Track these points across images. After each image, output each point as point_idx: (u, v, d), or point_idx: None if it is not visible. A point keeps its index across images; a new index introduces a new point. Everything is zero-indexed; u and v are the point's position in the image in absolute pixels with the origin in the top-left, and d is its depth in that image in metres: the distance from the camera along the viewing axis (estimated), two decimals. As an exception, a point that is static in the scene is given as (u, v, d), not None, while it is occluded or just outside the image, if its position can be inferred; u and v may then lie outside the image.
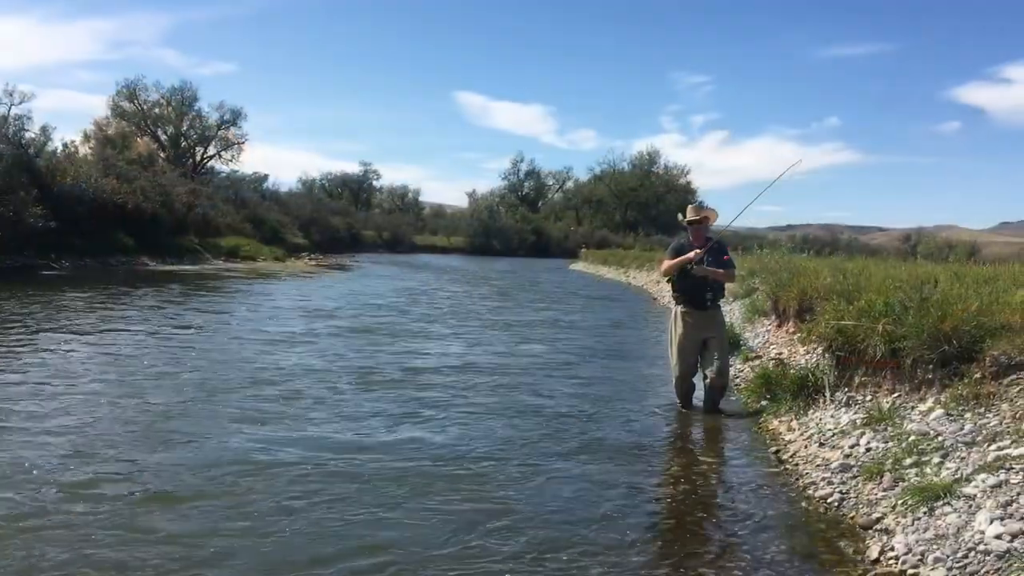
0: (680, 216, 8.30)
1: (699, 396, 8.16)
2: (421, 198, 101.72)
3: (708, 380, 7.97)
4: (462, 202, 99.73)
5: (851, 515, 5.02)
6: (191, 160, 62.27)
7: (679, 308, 8.10)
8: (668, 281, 8.48)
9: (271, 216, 47.74)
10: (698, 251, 7.81)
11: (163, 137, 63.01)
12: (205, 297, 18.06)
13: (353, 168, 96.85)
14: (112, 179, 30.74)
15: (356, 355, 10.64)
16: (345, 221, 66.03)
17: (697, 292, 7.97)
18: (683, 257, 7.86)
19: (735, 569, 4.30)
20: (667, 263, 8.09)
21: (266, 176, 64.82)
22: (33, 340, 10.64)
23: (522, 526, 4.74)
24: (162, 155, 57.84)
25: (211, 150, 63.76)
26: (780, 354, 9.61)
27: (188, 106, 62.86)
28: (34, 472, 5.29)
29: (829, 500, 5.30)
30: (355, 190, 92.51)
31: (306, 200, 64.79)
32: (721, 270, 7.92)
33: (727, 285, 8.53)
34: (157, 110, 62.97)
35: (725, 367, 8.06)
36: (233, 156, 63.45)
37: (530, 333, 14.16)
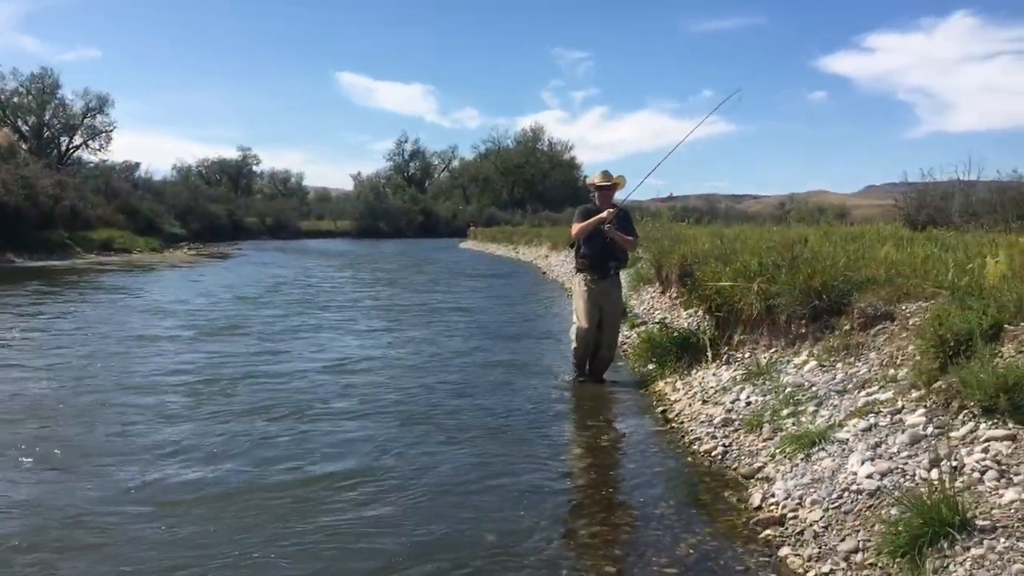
0: (588, 180, 8.25)
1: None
2: (305, 182, 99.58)
3: (597, 350, 8.01)
4: (348, 185, 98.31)
5: (734, 466, 5.19)
6: (56, 151, 59.27)
7: (581, 276, 7.98)
8: (571, 246, 8.42)
9: (145, 206, 45.76)
10: (611, 210, 7.70)
11: (24, 127, 59.75)
12: (69, 295, 17.16)
13: (231, 154, 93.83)
14: (-31, 172, 28.94)
15: (223, 358, 9.92)
16: (225, 208, 63.96)
17: (601, 260, 7.87)
18: (597, 217, 7.69)
19: (624, 525, 4.39)
20: (579, 225, 7.88)
21: (138, 164, 62.33)
22: None
23: (416, 497, 4.74)
24: (24, 146, 54.79)
25: (77, 139, 60.93)
26: (664, 319, 9.84)
27: (50, 94, 59.76)
28: None
29: (713, 453, 5.48)
30: (234, 176, 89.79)
31: (182, 188, 62.44)
32: (629, 237, 7.92)
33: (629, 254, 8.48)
34: (16, 99, 59.66)
35: (614, 341, 8.13)
36: (101, 145, 60.83)
37: (418, 316, 14.06)
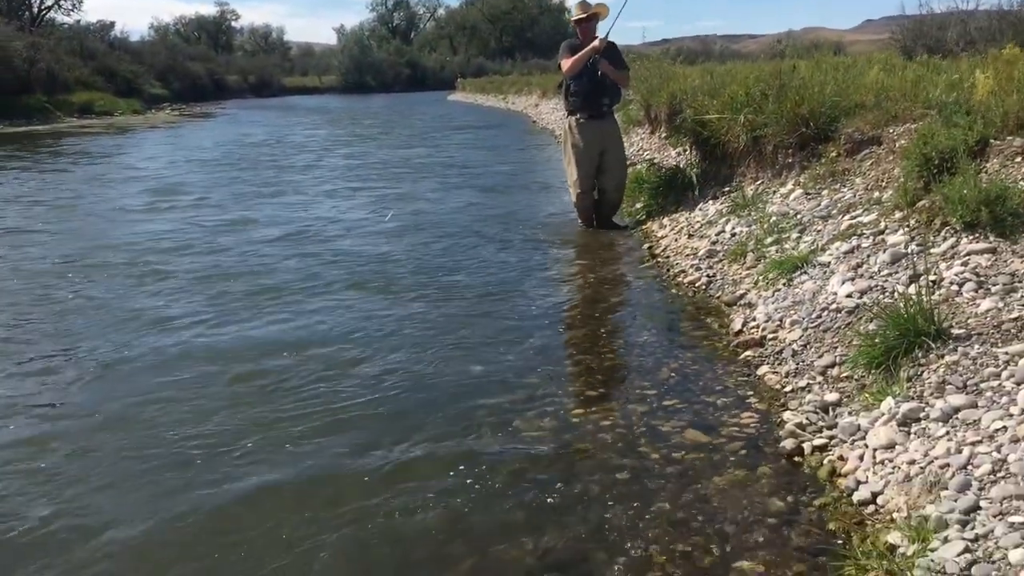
0: (568, 16, 7.95)
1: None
2: (287, 37, 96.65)
3: (603, 194, 7.71)
4: (331, 39, 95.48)
5: (717, 295, 5.23)
6: (27, 12, 57.05)
7: (574, 118, 7.61)
8: (559, 88, 8.09)
9: (123, 67, 44.44)
10: (602, 39, 7.27)
11: (-8, -11, 57.36)
12: (51, 160, 16.94)
13: (209, 10, 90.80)
14: (-62, 37, 27.98)
15: (212, 225, 10.22)
16: (206, 67, 62.18)
17: (594, 97, 7.48)
18: (588, 48, 7.25)
19: (607, 354, 4.46)
20: (569, 60, 7.39)
21: (112, 24, 60.01)
22: None
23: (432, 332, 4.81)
24: (-8, 8, 52.81)
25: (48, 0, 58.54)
26: (653, 158, 9.73)
27: (16, -49, 57.03)
28: None
29: (697, 284, 5.51)
30: (213, 33, 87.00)
31: (160, 47, 60.51)
32: (618, 71, 7.51)
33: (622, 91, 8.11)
34: (-19, -42, 57.01)
35: (621, 183, 7.77)
36: (74, 5, 58.47)
37: (408, 172, 13.90)
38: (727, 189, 6.95)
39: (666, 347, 4.49)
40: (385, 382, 4.07)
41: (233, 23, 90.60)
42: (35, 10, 57.94)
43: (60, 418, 3.75)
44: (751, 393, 3.77)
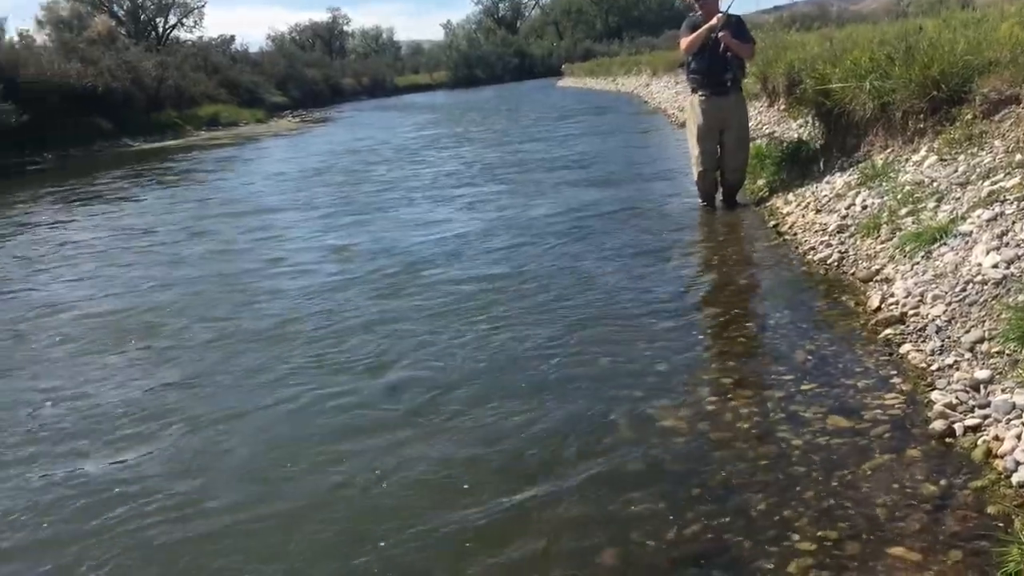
0: None
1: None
2: (396, 37, 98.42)
3: (723, 176, 7.56)
4: (439, 35, 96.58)
5: (851, 272, 5.06)
6: (153, 32, 60.06)
7: (696, 96, 7.47)
8: (681, 67, 7.97)
9: (245, 78, 46.32)
10: (719, 15, 7.08)
11: (120, 12, 60.55)
12: (197, 169, 17.80)
13: (321, 16, 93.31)
14: (76, 63, 29.75)
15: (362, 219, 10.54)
16: (322, 73, 64.03)
17: (716, 73, 7.25)
18: (704, 27, 7.11)
19: (739, 338, 4.38)
20: (687, 38, 7.26)
21: (232, 38, 62.56)
22: (61, 226, 10.54)
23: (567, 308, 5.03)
24: (123, 32, 55.78)
25: (172, 19, 61.40)
26: (772, 132, 9.47)
27: (139, -25, 60.02)
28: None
29: (829, 261, 5.34)
30: (327, 39, 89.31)
31: (278, 57, 62.65)
32: (742, 44, 7.28)
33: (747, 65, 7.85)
34: (108, -16, 60.23)
35: (742, 163, 7.57)
36: (195, 22, 61.15)
37: (526, 164, 13.94)
38: (855, 160, 6.70)
39: (800, 329, 4.38)
40: (512, 374, 4.13)
41: (345, 27, 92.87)
42: (160, 30, 60.98)
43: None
44: (894, 373, 3.64)
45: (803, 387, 3.63)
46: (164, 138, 29.89)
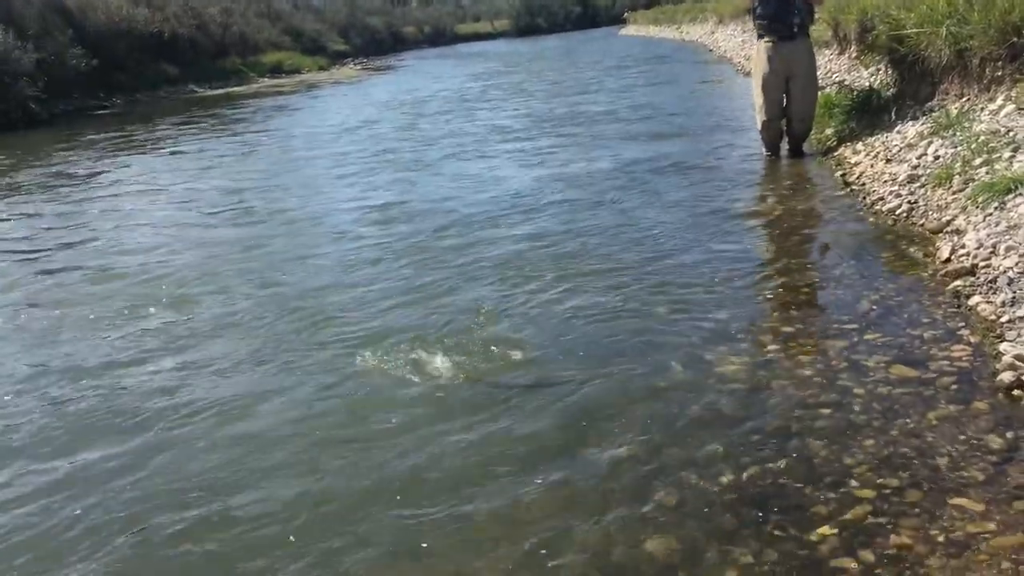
0: None
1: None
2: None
3: (789, 126, 7.36)
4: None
5: (920, 223, 4.94)
6: (218, -21, 60.46)
7: (762, 42, 7.27)
8: (748, 12, 7.74)
9: (308, 26, 46.45)
10: None
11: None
12: (256, 117, 17.98)
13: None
14: (143, 9, 30.12)
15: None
16: (384, 21, 63.87)
17: (782, 17, 7.06)
18: None
19: (803, 287, 4.32)
20: None
21: (296, -15, 62.80)
22: (132, 167, 10.75)
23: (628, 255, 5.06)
24: (189, -21, 56.30)
25: (236, -34, 61.65)
26: (843, 80, 9.21)
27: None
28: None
29: (897, 212, 5.21)
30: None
31: (341, 5, 62.65)
32: None
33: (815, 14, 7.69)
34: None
35: (809, 111, 7.32)
36: (258, -30, 61.42)
37: (590, 100, 13.80)
38: (928, 109, 6.49)
39: (866, 279, 4.29)
40: (576, 318, 4.13)
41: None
42: (225, -23, 61.22)
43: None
44: (962, 325, 3.55)
45: (867, 337, 3.58)
46: (228, 84, 30.18)
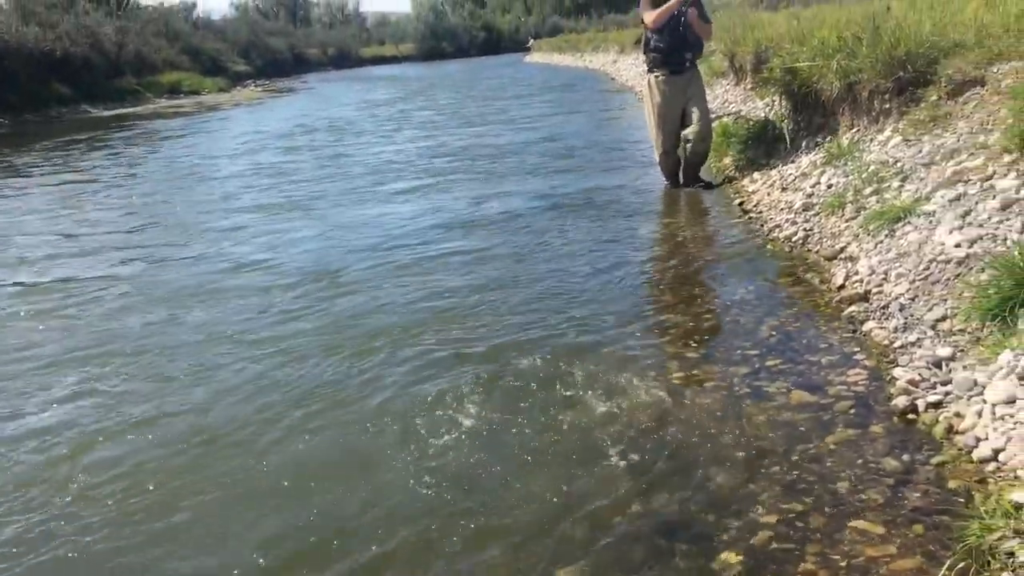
0: None
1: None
2: (362, 8, 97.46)
3: (688, 146, 7.37)
4: (406, 8, 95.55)
5: (816, 249, 5.10)
6: (113, -2, 58.80)
7: (654, 75, 7.37)
8: (637, 43, 7.87)
9: (207, 46, 45.49)
10: None
11: (78, -24, 59.09)
12: (157, 137, 17.46)
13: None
14: (34, 27, 29.01)
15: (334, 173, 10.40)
16: (286, 42, 63.08)
17: (675, 52, 7.21)
18: (675, 0, 6.98)
19: (704, 314, 4.39)
20: (653, 13, 7.09)
21: (194, 4, 61.47)
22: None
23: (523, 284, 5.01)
24: (82, -5, 54.59)
25: (132, -16, 60.06)
26: (739, 111, 9.49)
27: (98, -62, 58.54)
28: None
29: (793, 239, 5.38)
30: (291, 8, 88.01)
31: (241, 25, 61.63)
32: (704, 23, 7.25)
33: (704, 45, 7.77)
34: (66, -53, 58.71)
35: (707, 130, 7.34)
36: (157, -13, 59.99)
37: (492, 131, 13.86)
38: (820, 139, 6.74)
39: (765, 305, 4.40)
40: (475, 349, 4.10)
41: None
42: (121, -6, 59.62)
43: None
44: (858, 350, 3.66)
45: (768, 363, 3.65)
46: (123, 105, 29.28)
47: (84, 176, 11.33)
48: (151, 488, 3.05)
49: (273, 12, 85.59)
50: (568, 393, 3.53)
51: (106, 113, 26.79)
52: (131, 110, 27.76)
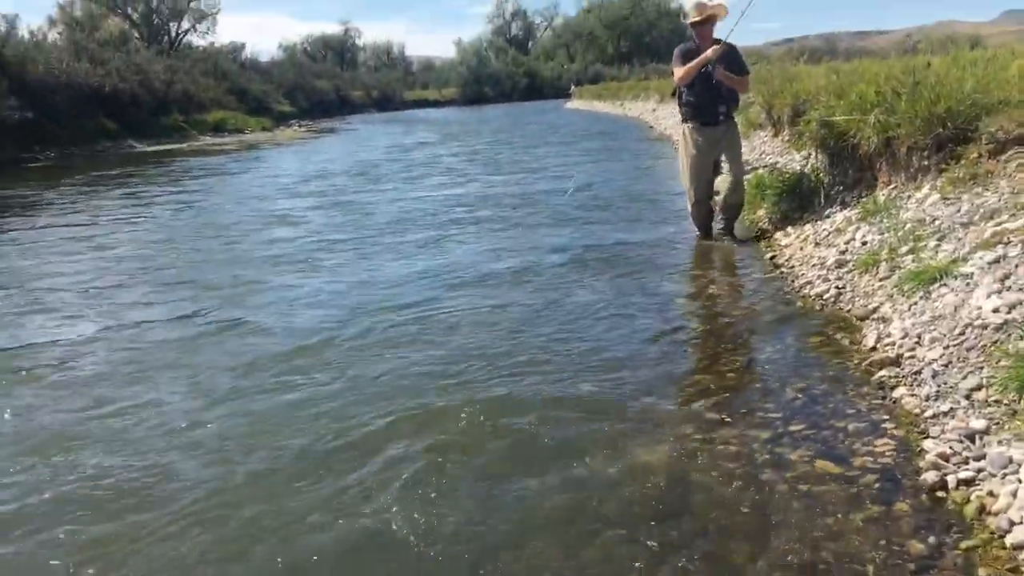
0: (683, 18, 7.51)
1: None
2: (407, 52, 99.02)
3: (721, 196, 7.26)
4: (450, 52, 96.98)
5: (847, 308, 4.92)
6: (166, 36, 60.31)
7: (688, 126, 7.29)
8: (673, 94, 7.82)
9: (254, 86, 46.51)
10: (716, 47, 6.85)
11: (134, 15, 60.73)
12: (197, 175, 17.71)
13: (333, 28, 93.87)
14: (85, 63, 29.79)
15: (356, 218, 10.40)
16: (332, 84, 64.36)
17: (709, 105, 7.10)
18: (701, 58, 6.86)
19: (728, 372, 4.23)
20: (681, 69, 7.03)
21: (243, 45, 62.94)
22: (54, 226, 10.43)
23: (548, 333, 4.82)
24: (136, 35, 56.08)
25: (185, 24, 61.64)
26: (775, 163, 9.36)
27: (155, -21, 60.21)
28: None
29: (825, 296, 5.20)
30: (338, 51, 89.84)
31: (288, 66, 62.91)
32: (737, 76, 7.09)
33: (741, 96, 7.65)
34: (124, -14, 60.43)
35: (740, 182, 7.24)
36: (208, 28, 61.52)
37: (524, 179, 13.84)
38: (856, 194, 6.57)
39: (792, 365, 4.22)
40: (498, 405, 3.96)
41: (356, 40, 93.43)
42: (173, 34, 61.25)
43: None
44: (887, 418, 3.48)
45: (791, 428, 3.48)
46: (169, 142, 29.88)
47: (86, 219, 11.29)
48: None
49: (321, 55, 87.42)
50: (579, 454, 3.38)
51: (149, 149, 27.33)
52: (175, 146, 28.30)
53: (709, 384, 4.10)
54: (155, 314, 5.94)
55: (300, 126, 40.74)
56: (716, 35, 7.13)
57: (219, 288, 6.63)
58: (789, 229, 6.89)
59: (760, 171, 8.76)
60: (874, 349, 4.20)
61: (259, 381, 4.43)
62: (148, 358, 4.90)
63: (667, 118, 22.80)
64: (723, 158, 7.36)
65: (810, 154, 8.25)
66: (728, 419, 3.64)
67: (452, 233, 8.66)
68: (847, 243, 5.78)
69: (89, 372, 4.71)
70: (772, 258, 6.46)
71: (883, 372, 3.89)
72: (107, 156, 24.86)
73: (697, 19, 7.09)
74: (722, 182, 7.22)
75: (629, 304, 5.55)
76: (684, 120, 7.40)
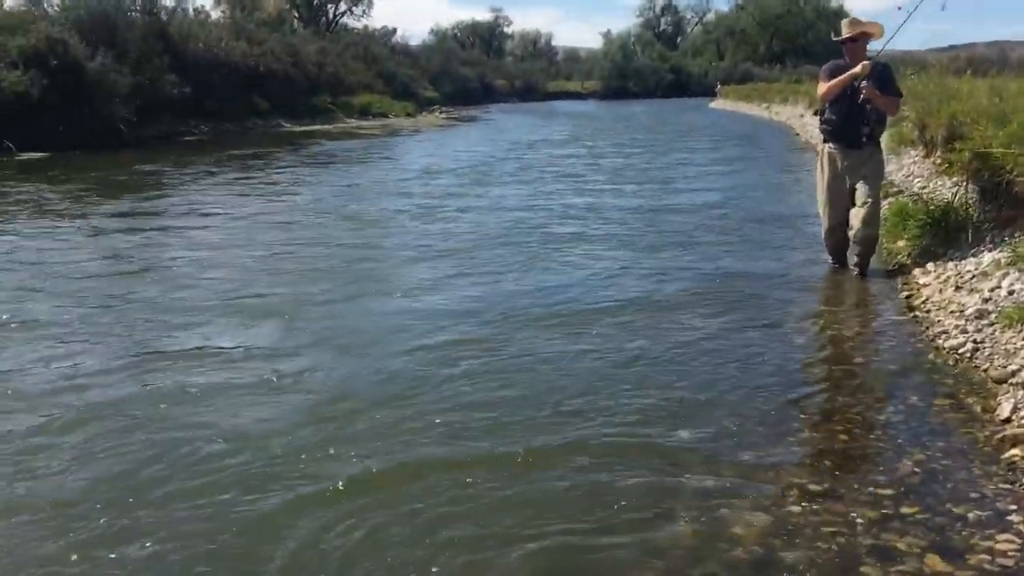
0: (834, 35, 6.92)
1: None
2: (555, 42, 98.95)
3: (854, 229, 6.71)
4: (598, 43, 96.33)
5: (984, 367, 4.49)
6: (324, 18, 62.31)
7: (828, 147, 6.88)
8: (815, 113, 7.38)
9: (401, 71, 47.46)
10: (865, 63, 6.42)
11: (295, -5, 62.95)
12: (341, 157, 18.18)
13: (483, 15, 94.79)
14: (243, 42, 31.04)
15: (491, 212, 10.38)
16: (476, 72, 65.01)
17: (851, 125, 6.66)
18: (848, 73, 6.46)
19: (840, 433, 3.90)
20: (826, 84, 6.69)
21: (395, 30, 64.28)
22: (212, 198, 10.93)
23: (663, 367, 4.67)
24: (296, 15, 58.14)
25: (342, 6, 63.47)
26: (923, 188, 8.74)
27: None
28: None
29: (960, 351, 4.76)
30: (487, 39, 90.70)
31: (436, 52, 63.93)
32: (886, 97, 6.57)
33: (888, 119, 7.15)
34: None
35: (873, 216, 6.64)
36: (364, 11, 63.18)
37: (648, 190, 13.50)
38: (1008, 235, 6.01)
39: (912, 431, 3.86)
40: (584, 450, 3.78)
41: (505, 29, 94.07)
42: (331, 16, 63.24)
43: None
44: (1014, 508, 3.11)
45: (902, 509, 3.15)
46: (315, 122, 30.87)
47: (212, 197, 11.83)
48: None
49: (469, 42, 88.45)
50: (661, 513, 3.17)
51: (297, 128, 28.32)
52: (320, 127, 29.25)
53: (818, 445, 3.81)
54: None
55: (441, 112, 41.36)
56: (868, 53, 6.73)
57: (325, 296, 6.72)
58: (930, 266, 6.38)
59: (904, 197, 8.20)
60: (1008, 421, 3.80)
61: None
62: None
63: (815, 125, 21.75)
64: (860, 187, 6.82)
65: (961, 183, 7.65)
66: (832, 491, 3.33)
67: (553, 250, 8.12)
68: (991, 290, 5.29)
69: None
70: (908, 297, 6.01)
71: (1015, 451, 3.51)
72: (257, 133, 25.96)
73: (848, 35, 6.65)
74: (855, 213, 6.72)
75: (744, 342, 5.19)
76: (824, 140, 7.00)
